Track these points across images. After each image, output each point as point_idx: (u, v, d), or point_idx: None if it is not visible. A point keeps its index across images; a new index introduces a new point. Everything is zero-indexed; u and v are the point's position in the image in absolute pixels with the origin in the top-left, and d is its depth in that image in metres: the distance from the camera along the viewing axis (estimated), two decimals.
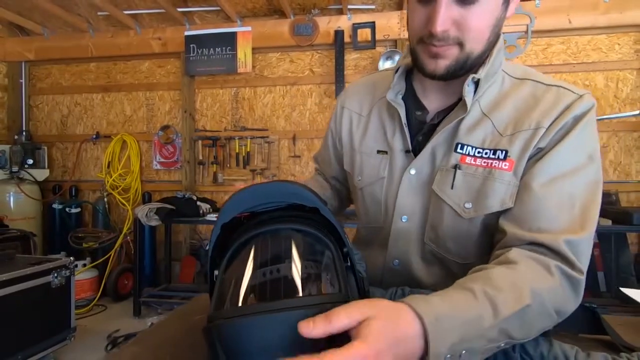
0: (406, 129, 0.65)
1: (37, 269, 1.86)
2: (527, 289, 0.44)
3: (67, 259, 2.07)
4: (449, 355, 0.38)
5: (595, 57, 2.87)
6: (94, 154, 3.53)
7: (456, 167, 0.61)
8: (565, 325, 0.50)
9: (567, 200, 0.53)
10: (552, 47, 2.91)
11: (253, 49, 3.13)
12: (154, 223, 2.63)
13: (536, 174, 0.55)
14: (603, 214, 2.31)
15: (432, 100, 0.67)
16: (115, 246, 3.14)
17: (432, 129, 0.64)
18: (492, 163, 0.59)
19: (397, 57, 2.94)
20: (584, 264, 0.51)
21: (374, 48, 3.00)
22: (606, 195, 2.80)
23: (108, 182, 3.30)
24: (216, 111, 3.35)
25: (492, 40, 0.58)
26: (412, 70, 0.69)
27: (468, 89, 0.59)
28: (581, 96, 0.58)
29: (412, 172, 0.65)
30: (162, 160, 3.38)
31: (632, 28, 2.79)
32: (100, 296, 2.96)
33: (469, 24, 0.54)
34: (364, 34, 2.97)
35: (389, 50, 3.02)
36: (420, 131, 0.66)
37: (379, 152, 0.70)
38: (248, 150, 3.23)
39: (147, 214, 2.59)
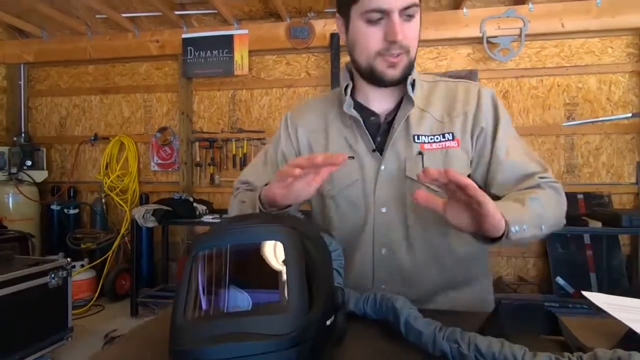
0: (368, 134, 0.77)
1: (34, 270, 1.89)
2: (552, 200, 0.69)
3: (64, 260, 2.10)
4: (517, 227, 0.58)
5: (588, 60, 2.89)
6: (92, 155, 3.56)
7: (420, 153, 0.74)
8: (527, 327, 0.53)
9: (525, 155, 0.75)
10: (546, 50, 2.94)
11: (250, 51, 3.16)
12: (150, 224, 2.66)
13: (499, 149, 0.74)
14: (594, 216, 2.34)
15: (378, 107, 0.79)
16: (113, 247, 3.17)
17: (387, 128, 0.76)
18: (445, 144, 0.74)
19: None
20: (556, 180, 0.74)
21: None
22: (599, 197, 2.83)
23: (106, 183, 3.33)
24: (213, 113, 3.38)
25: (416, 49, 0.73)
26: (353, 88, 0.81)
27: (410, 88, 0.74)
28: (479, 86, 0.78)
29: (382, 167, 0.75)
30: (160, 161, 3.41)
31: (624, 32, 2.82)
32: (98, 296, 2.99)
33: (411, 34, 0.69)
34: None
35: None
36: (377, 132, 0.77)
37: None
38: (245, 151, 3.25)
39: (144, 215, 2.62)
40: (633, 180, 2.84)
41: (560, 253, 2.80)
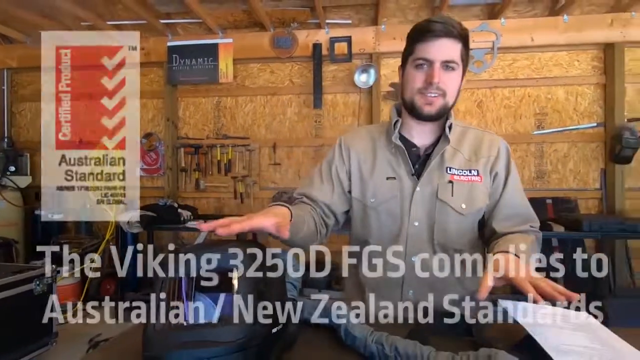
0: (409, 161, 0.94)
1: (19, 277, 1.93)
2: (535, 241, 0.90)
3: (49, 266, 2.14)
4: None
5: (557, 72, 3.06)
6: None
7: (451, 182, 0.91)
8: (452, 331, 0.64)
9: (525, 203, 0.95)
10: (517, 63, 3.09)
11: (234, 59, 3.23)
12: (135, 230, 2.71)
13: (508, 193, 0.93)
14: (558, 221, 2.49)
15: (418, 140, 0.97)
16: (98, 252, 3.20)
17: (426, 158, 0.95)
18: (471, 178, 0.92)
19: (371, 70, 3.07)
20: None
21: (350, 61, 3.14)
22: (567, 201, 2.99)
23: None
24: (198, 119, 3.44)
25: (455, 100, 0.92)
26: (401, 123, 0.99)
27: (448, 130, 0.93)
28: (500, 139, 0.98)
29: (418, 189, 0.92)
30: (145, 167, 3.45)
31: (589, 46, 2.99)
32: (83, 301, 3.02)
33: (448, 82, 0.88)
34: (341, 47, 3.10)
35: (364, 63, 3.16)
36: (417, 161, 0.96)
37: (388, 178, 0.96)
38: (229, 157, 3.33)
39: (129, 222, 2.67)
40: (597, 186, 3.02)
41: None
